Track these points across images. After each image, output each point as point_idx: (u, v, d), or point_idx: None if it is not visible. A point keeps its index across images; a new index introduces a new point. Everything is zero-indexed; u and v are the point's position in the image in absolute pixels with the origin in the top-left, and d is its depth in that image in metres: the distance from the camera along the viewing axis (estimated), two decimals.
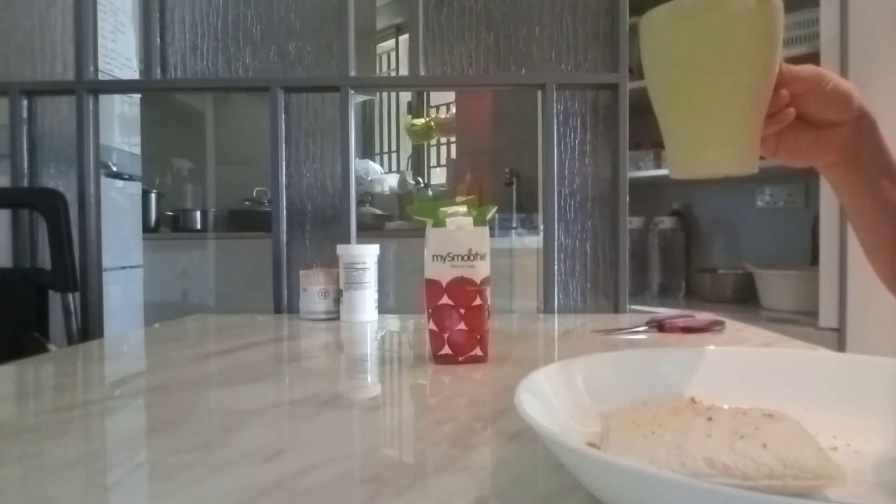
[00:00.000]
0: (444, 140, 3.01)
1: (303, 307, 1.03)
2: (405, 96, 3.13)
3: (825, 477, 0.29)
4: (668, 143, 0.51)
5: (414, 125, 2.86)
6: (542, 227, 1.20)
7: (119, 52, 1.57)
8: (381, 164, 3.16)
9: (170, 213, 2.43)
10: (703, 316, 0.91)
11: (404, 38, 2.98)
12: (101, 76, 1.25)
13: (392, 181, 2.79)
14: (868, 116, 0.54)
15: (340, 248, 1.01)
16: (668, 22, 0.47)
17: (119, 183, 1.69)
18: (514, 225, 2.09)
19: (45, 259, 1.17)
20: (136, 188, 1.79)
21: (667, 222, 2.06)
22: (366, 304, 0.99)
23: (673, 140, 0.50)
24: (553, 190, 1.18)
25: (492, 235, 0.67)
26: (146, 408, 0.52)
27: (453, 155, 2.83)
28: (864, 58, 1.35)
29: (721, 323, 0.89)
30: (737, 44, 0.46)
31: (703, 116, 0.47)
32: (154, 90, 1.52)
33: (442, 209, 0.67)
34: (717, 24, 0.45)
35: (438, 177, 3.00)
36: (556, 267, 1.20)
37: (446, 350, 0.66)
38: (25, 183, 1.18)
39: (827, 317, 1.43)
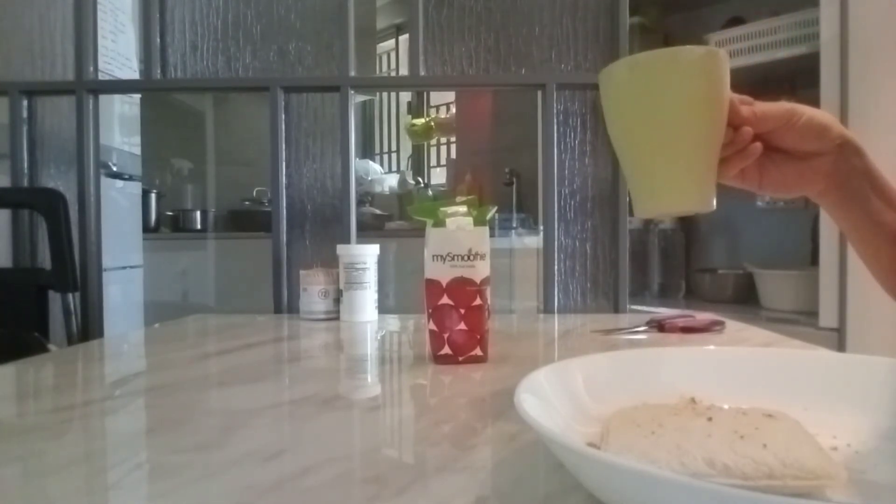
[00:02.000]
0: (444, 140, 3.01)
1: (303, 307, 1.03)
2: (405, 96, 3.13)
3: (825, 477, 0.29)
4: (630, 185, 0.53)
5: (414, 125, 2.86)
6: (542, 227, 1.20)
7: (119, 52, 1.57)
8: (381, 164, 3.16)
9: (170, 213, 2.43)
10: (703, 316, 0.91)
11: (404, 38, 2.98)
12: (101, 76, 1.25)
13: (392, 181, 2.79)
14: (851, 143, 0.54)
15: (340, 248, 1.01)
16: (625, 73, 0.50)
17: (119, 183, 1.69)
18: (514, 225, 2.09)
19: (45, 259, 1.17)
20: (136, 188, 1.79)
21: (667, 222, 2.06)
22: (366, 304, 0.99)
23: (633, 183, 0.53)
24: (553, 190, 1.18)
25: (492, 235, 0.67)
26: (146, 408, 0.52)
27: (453, 155, 2.83)
28: (864, 58, 1.34)
29: (721, 323, 0.89)
30: (686, 91, 0.48)
31: (658, 160, 0.50)
32: (154, 90, 1.52)
33: (442, 209, 0.67)
34: (667, 74, 0.49)
35: (438, 177, 3.00)
36: (556, 267, 1.20)
37: (446, 350, 0.66)
38: (25, 183, 1.18)
39: (827, 317, 1.43)
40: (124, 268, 1.66)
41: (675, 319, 0.87)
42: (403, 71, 2.95)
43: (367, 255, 0.99)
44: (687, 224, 2.14)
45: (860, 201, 0.56)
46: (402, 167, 3.18)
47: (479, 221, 0.67)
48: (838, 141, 0.54)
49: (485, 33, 1.21)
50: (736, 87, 0.51)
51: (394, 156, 3.34)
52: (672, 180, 0.50)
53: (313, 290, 1.02)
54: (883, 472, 0.33)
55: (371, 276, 1.00)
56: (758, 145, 0.52)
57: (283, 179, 1.20)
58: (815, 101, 1.54)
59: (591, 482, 0.29)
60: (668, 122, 0.49)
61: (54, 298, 1.08)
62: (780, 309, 1.68)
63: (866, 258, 0.62)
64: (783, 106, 0.53)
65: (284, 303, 1.17)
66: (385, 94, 3.19)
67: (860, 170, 0.55)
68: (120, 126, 1.70)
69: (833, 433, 0.37)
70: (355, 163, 1.21)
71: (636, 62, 0.50)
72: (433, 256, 0.65)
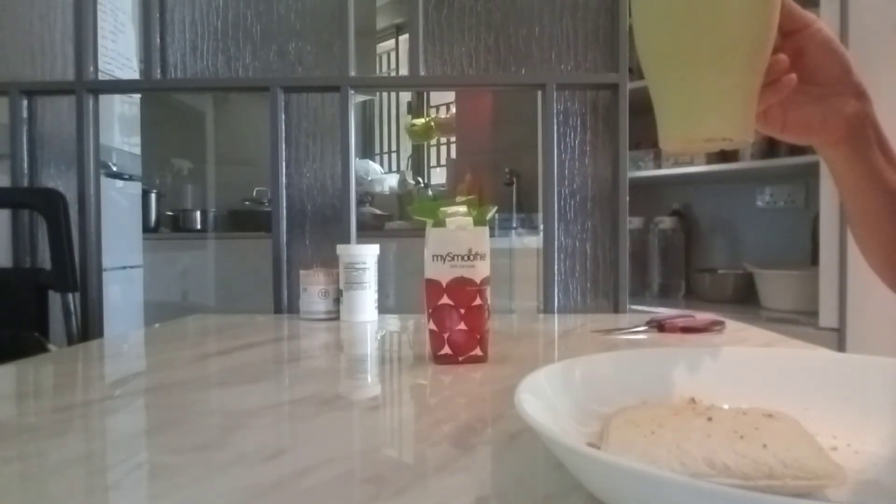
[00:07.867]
0: (444, 140, 3.01)
1: (303, 307, 1.03)
2: (405, 96, 3.13)
3: (825, 477, 0.29)
4: (660, 109, 0.48)
5: (414, 125, 2.86)
6: (542, 227, 1.20)
7: (119, 52, 1.57)
8: (381, 164, 3.17)
9: (170, 213, 2.44)
10: (703, 316, 0.91)
11: (404, 38, 2.98)
12: (101, 76, 1.25)
13: (392, 181, 2.79)
14: (866, 93, 0.54)
15: (340, 248, 1.01)
16: None
17: (119, 183, 1.69)
18: (514, 225, 2.09)
19: (45, 259, 1.17)
20: (136, 188, 1.79)
21: (667, 222, 2.06)
22: (366, 304, 0.99)
23: (664, 105, 0.47)
24: (553, 190, 1.18)
25: (492, 235, 0.67)
26: (146, 408, 0.52)
27: (453, 155, 2.83)
28: (864, 58, 1.35)
29: (721, 323, 0.89)
30: (734, 1, 0.44)
31: (699, 76, 0.45)
32: (154, 90, 1.52)
33: (442, 209, 0.67)
34: None
35: (438, 177, 3.00)
36: (556, 267, 1.20)
37: (446, 350, 0.66)
38: (25, 183, 1.17)
39: (827, 317, 1.43)
40: (124, 268, 1.66)
41: (675, 319, 0.87)
42: (403, 71, 2.95)
43: (367, 255, 0.99)
44: (687, 224, 2.14)
45: (868, 155, 0.55)
46: (402, 167, 3.18)
47: (479, 221, 0.67)
48: (857, 87, 0.53)
49: (485, 33, 1.21)
50: None
51: (394, 156, 3.34)
52: (717, 97, 0.44)
53: (313, 290, 1.02)
54: (883, 472, 0.33)
55: (371, 276, 1.00)
56: (793, 76, 0.49)
57: (283, 179, 1.19)
58: None
59: (591, 482, 0.29)
60: (708, 33, 0.43)
61: (54, 298, 1.08)
62: (780, 309, 1.68)
63: (862, 227, 0.61)
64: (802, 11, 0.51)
65: (284, 303, 1.17)
66: (385, 94, 3.19)
67: (872, 120, 0.54)
68: (120, 126, 1.70)
69: (833, 433, 0.37)
70: (355, 163, 1.21)
71: None
72: (433, 256, 0.65)
